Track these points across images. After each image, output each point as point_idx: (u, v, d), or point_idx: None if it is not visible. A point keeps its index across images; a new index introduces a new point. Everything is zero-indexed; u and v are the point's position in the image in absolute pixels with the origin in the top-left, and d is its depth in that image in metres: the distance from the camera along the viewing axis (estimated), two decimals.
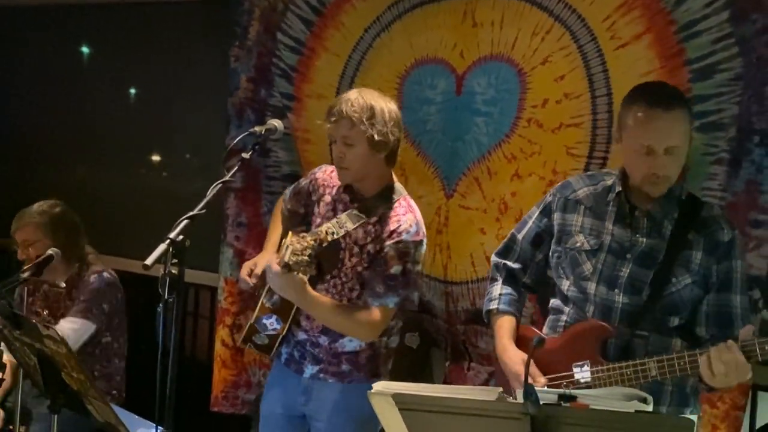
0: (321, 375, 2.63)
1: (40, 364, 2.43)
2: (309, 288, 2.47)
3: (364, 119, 2.46)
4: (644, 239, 2.21)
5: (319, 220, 2.63)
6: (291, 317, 2.62)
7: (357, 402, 2.60)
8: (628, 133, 2.18)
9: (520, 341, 2.37)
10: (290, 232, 2.42)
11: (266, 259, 2.63)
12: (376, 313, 2.51)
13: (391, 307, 2.53)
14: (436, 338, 3.52)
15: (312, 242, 2.32)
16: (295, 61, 3.79)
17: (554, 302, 2.39)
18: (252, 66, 3.89)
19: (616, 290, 2.21)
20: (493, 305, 2.45)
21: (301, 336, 2.65)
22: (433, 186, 3.46)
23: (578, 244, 2.29)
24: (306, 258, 2.30)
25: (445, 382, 3.42)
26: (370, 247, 2.54)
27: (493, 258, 2.54)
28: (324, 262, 2.56)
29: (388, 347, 2.67)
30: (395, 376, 3.15)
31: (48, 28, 4.80)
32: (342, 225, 2.53)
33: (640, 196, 2.23)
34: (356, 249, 2.56)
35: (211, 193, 2.25)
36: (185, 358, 4.24)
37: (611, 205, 2.27)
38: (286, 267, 2.34)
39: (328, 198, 2.68)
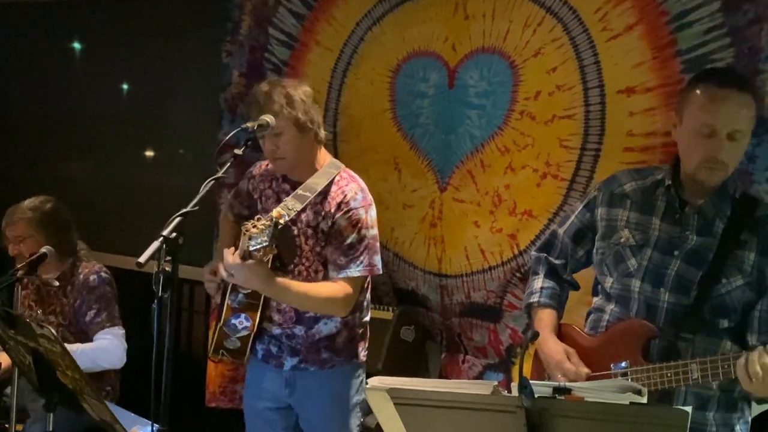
0: (302, 365, 2.62)
1: (35, 362, 2.43)
2: (272, 273, 2.42)
3: (284, 105, 2.48)
4: (694, 236, 2.10)
5: (265, 215, 2.62)
6: (260, 311, 2.59)
7: (341, 386, 2.62)
8: (691, 113, 2.05)
9: (562, 339, 2.27)
10: (242, 226, 2.37)
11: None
12: (343, 285, 2.50)
13: (356, 276, 2.51)
14: (431, 331, 3.52)
15: (268, 223, 2.26)
16: (287, 55, 3.78)
17: (597, 301, 2.30)
18: (244, 61, 3.88)
19: (661, 288, 2.10)
20: (534, 299, 2.36)
21: (276, 331, 2.63)
22: (426, 179, 3.46)
23: (623, 240, 2.18)
24: (265, 239, 2.24)
25: (440, 375, 3.43)
26: (322, 224, 2.54)
27: (534, 253, 2.47)
28: (283, 253, 2.53)
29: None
30: (391, 370, 3.17)
31: (40, 24, 4.78)
32: (291, 207, 2.51)
33: (691, 189, 2.12)
34: (310, 231, 2.55)
35: (204, 189, 2.24)
36: (180, 355, 4.24)
37: (660, 200, 2.16)
38: (247, 256, 2.29)
39: (269, 192, 2.68)
